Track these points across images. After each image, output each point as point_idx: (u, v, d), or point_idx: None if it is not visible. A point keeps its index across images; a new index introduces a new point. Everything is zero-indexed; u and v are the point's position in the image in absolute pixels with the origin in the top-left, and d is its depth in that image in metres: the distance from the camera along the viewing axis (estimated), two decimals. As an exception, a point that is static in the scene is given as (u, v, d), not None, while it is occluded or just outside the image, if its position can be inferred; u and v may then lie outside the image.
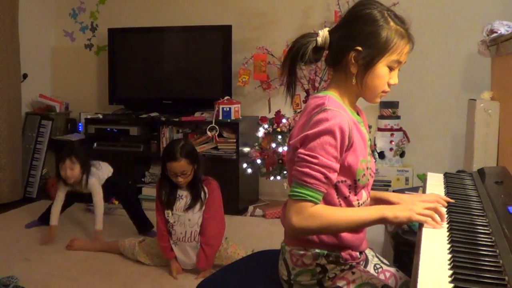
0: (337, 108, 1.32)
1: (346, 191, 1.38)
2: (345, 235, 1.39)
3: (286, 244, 1.46)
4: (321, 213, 1.28)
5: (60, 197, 3.31)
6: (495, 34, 2.71)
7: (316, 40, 1.39)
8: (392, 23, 1.34)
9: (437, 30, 3.93)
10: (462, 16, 3.86)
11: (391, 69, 1.37)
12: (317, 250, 1.40)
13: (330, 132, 1.28)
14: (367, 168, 1.40)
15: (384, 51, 1.34)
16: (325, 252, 1.40)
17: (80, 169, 3.20)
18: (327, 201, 1.35)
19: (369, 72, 1.35)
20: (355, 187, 1.39)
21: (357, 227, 1.37)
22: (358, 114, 1.48)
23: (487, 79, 3.13)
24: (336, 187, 1.36)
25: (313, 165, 1.27)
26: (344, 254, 1.41)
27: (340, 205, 1.38)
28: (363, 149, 1.38)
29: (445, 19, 3.92)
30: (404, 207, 1.31)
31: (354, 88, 1.40)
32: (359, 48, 1.34)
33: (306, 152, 1.29)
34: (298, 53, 1.39)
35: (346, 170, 1.35)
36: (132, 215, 3.46)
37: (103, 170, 3.39)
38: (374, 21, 1.34)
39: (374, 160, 1.50)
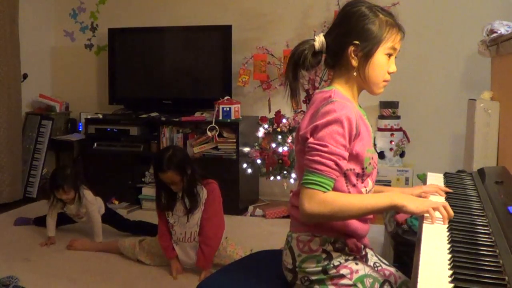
0: (343, 100, 1.40)
1: (354, 179, 1.44)
2: (353, 222, 1.45)
3: (293, 232, 1.51)
4: (333, 199, 1.33)
5: (54, 214, 3.31)
6: (495, 34, 2.71)
7: (313, 45, 1.48)
8: (381, 15, 1.44)
9: (437, 30, 3.93)
10: (462, 16, 3.86)
11: (389, 56, 1.45)
12: (324, 236, 1.45)
13: (338, 122, 1.34)
14: (372, 158, 1.46)
15: (380, 40, 1.42)
16: (332, 238, 1.45)
17: (74, 192, 3.21)
18: (337, 189, 1.40)
19: (369, 63, 1.44)
20: (362, 175, 1.45)
21: (367, 213, 1.41)
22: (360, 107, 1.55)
23: (487, 79, 3.12)
24: (345, 175, 1.42)
25: (323, 153, 1.33)
26: (349, 242, 1.46)
27: (349, 192, 1.43)
28: (368, 140, 1.45)
29: (445, 19, 3.92)
30: (414, 199, 1.36)
31: (357, 81, 1.48)
32: (357, 42, 1.42)
33: (316, 142, 1.35)
34: (298, 61, 1.48)
35: (355, 158, 1.41)
36: (137, 229, 3.40)
37: (97, 204, 3.35)
38: (364, 15, 1.43)
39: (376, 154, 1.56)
